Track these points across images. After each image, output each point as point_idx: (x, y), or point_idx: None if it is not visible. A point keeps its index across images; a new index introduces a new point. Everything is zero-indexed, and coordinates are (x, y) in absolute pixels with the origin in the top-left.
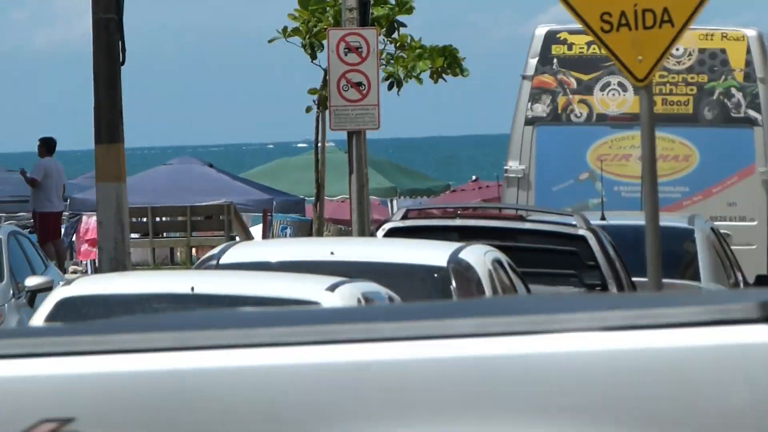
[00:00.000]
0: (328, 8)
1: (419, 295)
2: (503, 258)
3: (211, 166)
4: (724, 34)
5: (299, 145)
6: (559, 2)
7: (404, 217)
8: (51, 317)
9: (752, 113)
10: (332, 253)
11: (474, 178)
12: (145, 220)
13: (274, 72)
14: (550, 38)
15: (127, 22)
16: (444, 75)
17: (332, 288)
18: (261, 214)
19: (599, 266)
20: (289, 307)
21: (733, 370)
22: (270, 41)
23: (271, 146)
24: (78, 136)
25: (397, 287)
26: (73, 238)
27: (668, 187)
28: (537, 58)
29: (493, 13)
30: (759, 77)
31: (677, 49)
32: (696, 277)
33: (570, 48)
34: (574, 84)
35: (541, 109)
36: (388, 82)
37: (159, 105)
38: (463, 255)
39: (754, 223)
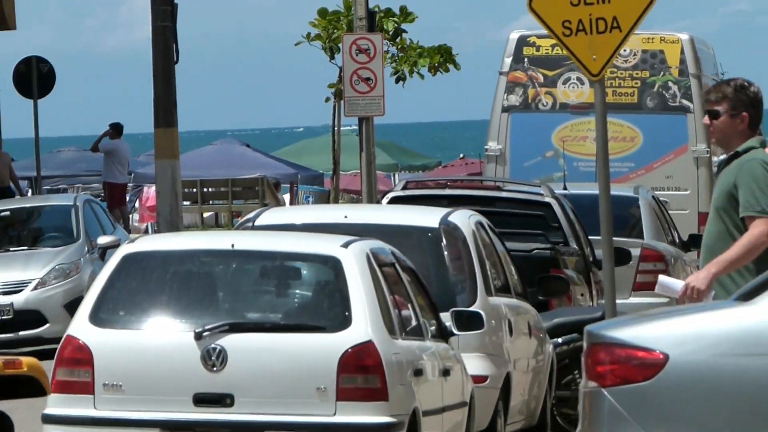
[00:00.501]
0: (342, 17)
1: (416, 251)
2: (484, 221)
3: (248, 146)
4: (663, 38)
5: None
6: (529, 12)
7: (404, 188)
8: (118, 269)
9: (686, 102)
10: (346, 216)
11: (461, 156)
12: (194, 190)
13: (299, 69)
14: (522, 41)
15: (180, 28)
16: (440, 69)
17: (346, 245)
18: (288, 185)
19: (562, 227)
20: (309, 261)
21: None
22: (296, 44)
23: (301, 129)
24: (141, 121)
25: (398, 244)
26: (136, 205)
27: (617, 163)
28: (511, 58)
29: (475, 20)
30: (691, 73)
31: (624, 50)
32: (640, 236)
33: (538, 49)
34: (541, 79)
35: (514, 99)
36: (395, 77)
37: (206, 95)
38: (451, 218)
39: (687, 192)
